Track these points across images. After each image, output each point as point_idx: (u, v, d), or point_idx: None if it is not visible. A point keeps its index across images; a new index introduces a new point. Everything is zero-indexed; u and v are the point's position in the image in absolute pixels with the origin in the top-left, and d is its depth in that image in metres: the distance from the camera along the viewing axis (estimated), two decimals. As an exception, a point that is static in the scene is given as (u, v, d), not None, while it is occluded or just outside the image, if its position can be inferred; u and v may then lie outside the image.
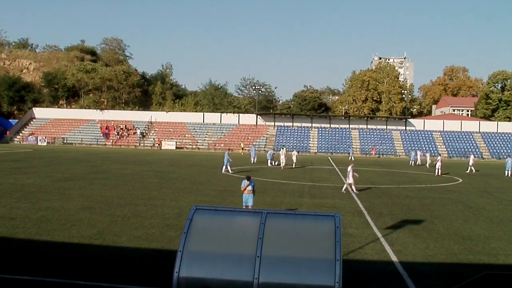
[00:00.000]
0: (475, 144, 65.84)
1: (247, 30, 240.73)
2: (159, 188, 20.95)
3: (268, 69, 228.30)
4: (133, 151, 58.25)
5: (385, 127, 70.71)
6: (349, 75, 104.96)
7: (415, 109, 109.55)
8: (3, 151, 47.00)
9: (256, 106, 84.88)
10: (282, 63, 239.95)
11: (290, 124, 71.79)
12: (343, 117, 76.99)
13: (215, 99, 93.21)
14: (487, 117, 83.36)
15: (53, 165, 31.80)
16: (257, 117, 72.34)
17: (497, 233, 13.28)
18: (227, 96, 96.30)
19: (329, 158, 55.90)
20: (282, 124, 71.71)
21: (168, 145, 65.19)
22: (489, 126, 70.37)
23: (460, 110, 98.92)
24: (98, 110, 75.57)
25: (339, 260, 5.23)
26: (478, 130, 68.88)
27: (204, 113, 75.88)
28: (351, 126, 70.75)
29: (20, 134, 69.86)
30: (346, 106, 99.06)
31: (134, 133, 69.60)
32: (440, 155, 38.37)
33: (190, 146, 66.15)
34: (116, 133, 69.05)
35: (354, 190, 21.43)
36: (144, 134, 69.38)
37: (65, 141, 67.13)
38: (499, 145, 65.58)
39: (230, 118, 72.23)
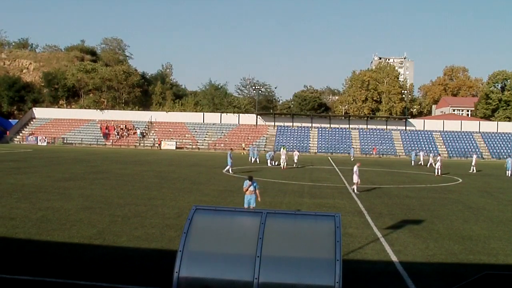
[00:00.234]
0: (475, 144, 65.84)
1: (247, 30, 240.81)
2: (159, 188, 20.94)
3: (268, 69, 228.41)
4: (133, 151, 58.26)
5: (385, 127, 70.72)
6: (349, 75, 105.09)
7: (415, 109, 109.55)
8: (3, 151, 47.01)
9: (256, 106, 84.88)
10: (282, 63, 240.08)
11: (290, 124, 71.80)
12: (343, 117, 77.01)
13: (215, 99, 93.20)
14: (487, 117, 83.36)
15: (53, 165, 31.80)
16: (257, 117, 72.35)
17: (497, 233, 13.28)
18: (227, 96, 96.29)
19: (329, 158, 55.91)
20: (282, 124, 71.73)
21: (168, 145, 65.20)
22: (489, 126, 70.39)
23: (460, 110, 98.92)
24: (98, 110, 75.59)
25: (339, 260, 5.23)
26: (478, 130, 68.89)
27: (204, 113, 75.90)
28: (351, 126, 70.76)
29: (20, 134, 69.88)
30: (346, 106, 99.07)
31: (134, 133, 69.60)
32: (440, 155, 38.37)
33: (190, 146, 66.15)
34: (116, 133, 69.05)
35: (355, 190, 21.40)
36: (144, 134, 69.39)
37: (65, 141, 67.14)
38: (499, 145, 65.60)
39: (230, 118, 72.25)
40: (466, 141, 66.70)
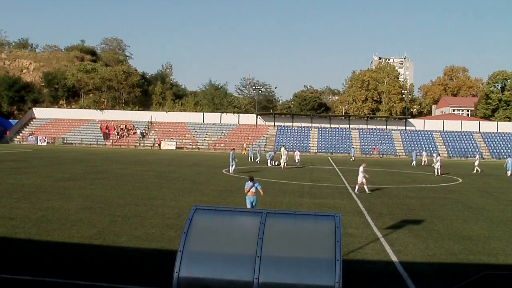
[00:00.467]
0: (475, 144, 65.84)
1: (247, 30, 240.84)
2: (159, 188, 20.94)
3: (268, 69, 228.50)
4: (133, 151, 58.26)
5: (385, 127, 70.72)
6: (349, 75, 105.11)
7: (415, 109, 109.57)
8: (3, 151, 47.01)
9: (256, 106, 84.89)
10: (282, 63, 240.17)
11: (290, 124, 71.80)
12: (343, 117, 77.01)
13: (215, 99, 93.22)
14: (487, 117, 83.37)
15: (53, 165, 31.80)
16: (257, 117, 72.36)
17: (497, 233, 13.28)
18: (227, 96, 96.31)
19: (329, 158, 55.91)
20: (282, 124, 71.73)
21: (168, 145, 65.20)
22: (489, 126, 70.39)
23: (460, 110, 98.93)
24: (98, 110, 75.59)
25: (339, 260, 5.23)
26: (478, 130, 68.89)
27: (204, 113, 75.91)
28: (351, 126, 70.76)
29: (20, 134, 69.88)
30: (346, 106, 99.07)
31: (134, 133, 69.61)
32: (439, 155, 38.37)
33: (190, 146, 66.15)
34: (116, 133, 69.06)
35: (355, 191, 21.37)
36: (144, 134, 69.40)
37: (65, 141, 67.14)
38: (499, 145, 65.60)
39: (230, 118, 72.25)
40: (466, 141, 66.70)
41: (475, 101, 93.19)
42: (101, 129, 69.90)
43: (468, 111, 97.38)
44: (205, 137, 68.63)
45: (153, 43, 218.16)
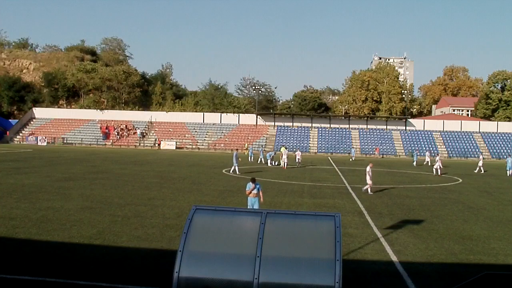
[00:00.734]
0: (475, 144, 65.85)
1: (247, 30, 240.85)
2: (159, 188, 20.94)
3: (268, 69, 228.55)
4: (133, 151, 58.26)
5: (385, 127, 70.73)
6: (349, 75, 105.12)
7: (415, 109, 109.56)
8: (3, 151, 47.01)
9: (256, 106, 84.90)
10: (282, 63, 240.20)
11: (290, 124, 71.81)
12: (343, 117, 77.01)
13: (215, 99, 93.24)
14: (487, 117, 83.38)
15: (53, 165, 31.80)
16: (257, 117, 72.36)
17: (497, 233, 13.28)
18: (227, 96, 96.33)
19: (329, 158, 55.92)
20: (282, 124, 71.73)
21: (168, 145, 65.20)
22: (489, 126, 70.39)
23: (460, 110, 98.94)
24: (98, 110, 75.58)
25: (339, 260, 5.23)
26: (478, 130, 68.90)
27: (204, 113, 75.89)
28: (351, 126, 70.76)
29: (20, 134, 69.87)
30: (346, 106, 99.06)
31: (134, 133, 69.61)
32: (438, 155, 38.34)
33: (190, 146, 66.15)
34: (116, 133, 69.07)
35: (369, 191, 21.25)
36: (144, 134, 69.40)
37: (65, 141, 67.14)
38: (499, 145, 65.60)
39: (230, 118, 72.24)
40: (466, 141, 66.70)
41: (475, 101, 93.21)
42: (101, 129, 69.90)
43: (468, 111, 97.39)
44: (205, 137, 68.62)
45: (153, 43, 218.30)
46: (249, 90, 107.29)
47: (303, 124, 71.26)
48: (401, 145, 66.15)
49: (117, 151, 56.50)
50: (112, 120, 71.82)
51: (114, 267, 9.08)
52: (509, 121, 76.92)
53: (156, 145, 66.02)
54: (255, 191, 13.36)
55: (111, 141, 67.64)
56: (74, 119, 73.08)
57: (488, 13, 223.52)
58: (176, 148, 64.68)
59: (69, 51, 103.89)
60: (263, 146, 62.97)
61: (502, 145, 65.32)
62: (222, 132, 69.46)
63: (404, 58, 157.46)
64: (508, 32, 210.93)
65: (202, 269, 5.40)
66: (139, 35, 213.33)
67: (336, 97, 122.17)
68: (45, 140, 65.89)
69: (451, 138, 67.39)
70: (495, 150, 64.22)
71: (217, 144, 66.29)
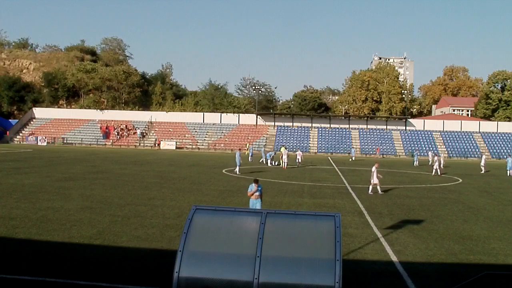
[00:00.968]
0: (475, 144, 65.85)
1: (247, 30, 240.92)
2: (159, 188, 20.94)
3: (268, 69, 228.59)
4: (133, 151, 58.27)
5: (385, 127, 70.73)
6: (349, 75, 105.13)
7: (415, 109, 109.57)
8: (3, 151, 47.01)
9: (256, 106, 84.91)
10: (282, 63, 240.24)
11: (290, 124, 71.81)
12: (343, 117, 77.02)
13: (215, 99, 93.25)
14: (487, 117, 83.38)
15: (53, 165, 31.80)
16: (257, 117, 72.36)
17: (497, 233, 13.28)
18: (227, 96, 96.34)
19: (329, 158, 55.92)
20: (282, 124, 71.73)
21: (168, 145, 65.21)
22: (489, 126, 70.40)
23: (460, 110, 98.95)
24: (98, 110, 75.58)
25: (339, 260, 5.23)
26: (478, 130, 68.90)
27: (204, 113, 75.90)
28: (351, 126, 70.76)
29: (20, 134, 69.88)
30: (346, 106, 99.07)
31: (134, 133, 69.62)
32: (436, 155, 38.32)
33: (190, 146, 66.15)
34: (116, 133, 69.07)
35: (377, 190, 21.23)
36: (144, 134, 69.40)
37: (65, 141, 67.14)
38: (499, 145, 65.61)
39: (230, 118, 72.25)
40: (466, 141, 66.70)
41: (475, 101, 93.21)
42: (101, 128, 69.91)
43: (468, 111, 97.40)
44: (205, 137, 68.63)
45: (153, 43, 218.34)
46: (249, 90, 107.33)
47: (303, 124, 71.25)
48: (401, 145, 66.16)
49: (117, 151, 56.50)
50: (112, 120, 71.82)
51: (114, 267, 9.08)
52: (509, 121, 76.92)
53: (156, 145, 66.02)
54: (257, 193, 12.99)
55: (111, 141, 67.65)
56: (74, 119, 73.08)
57: (488, 13, 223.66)
58: (176, 148, 64.68)
59: (69, 51, 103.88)
60: (264, 146, 62.99)
61: (502, 145, 65.33)
62: (222, 132, 69.46)
63: (404, 58, 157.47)
64: (508, 32, 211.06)
65: (202, 269, 5.40)
66: (139, 35, 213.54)
67: (336, 97, 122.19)
68: (45, 140, 65.89)
69: (451, 138, 67.39)
70: (495, 150, 64.22)
71: (217, 144, 66.29)
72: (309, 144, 66.48)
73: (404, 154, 63.53)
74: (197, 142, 67.49)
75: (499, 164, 47.97)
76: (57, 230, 11.89)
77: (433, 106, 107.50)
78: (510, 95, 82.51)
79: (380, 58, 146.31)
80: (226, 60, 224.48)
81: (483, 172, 37.03)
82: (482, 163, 38.31)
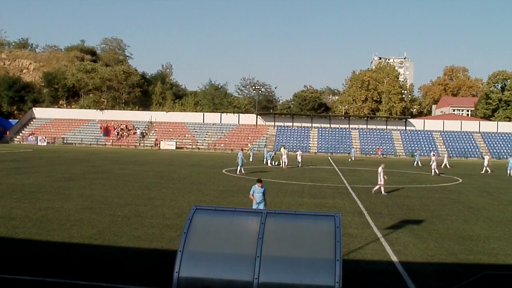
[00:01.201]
0: (475, 144, 65.84)
1: (247, 30, 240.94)
2: (159, 188, 20.94)
3: (268, 69, 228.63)
4: (133, 151, 58.26)
5: (385, 127, 70.72)
6: (349, 75, 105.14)
7: (415, 109, 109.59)
8: (3, 151, 47.00)
9: (256, 106, 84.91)
10: (282, 63, 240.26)
11: (290, 124, 71.80)
12: (343, 117, 77.01)
13: (215, 99, 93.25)
14: (487, 117, 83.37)
15: (53, 165, 31.79)
16: (257, 117, 72.35)
17: (497, 233, 13.28)
18: (227, 96, 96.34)
19: (329, 158, 55.92)
20: (282, 124, 71.72)
21: (168, 145, 65.21)
22: (489, 126, 70.39)
23: (460, 110, 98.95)
24: (98, 110, 75.57)
25: (339, 260, 5.23)
26: (478, 130, 68.89)
27: (204, 113, 75.89)
28: (351, 126, 70.76)
29: (20, 134, 69.87)
30: (346, 106, 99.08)
31: (134, 133, 69.61)
32: (434, 155, 38.31)
33: (190, 146, 66.15)
34: (116, 133, 69.07)
35: (383, 192, 21.13)
36: (144, 134, 69.40)
37: (65, 141, 67.14)
38: (499, 145, 65.60)
39: (230, 118, 72.24)
40: (466, 141, 66.69)
41: (475, 101, 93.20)
42: (101, 128, 69.91)
43: (468, 111, 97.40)
44: (205, 137, 68.62)
45: (153, 43, 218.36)
46: (249, 90, 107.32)
47: (303, 124, 71.25)
48: (401, 145, 66.15)
49: (117, 151, 56.49)
50: (112, 120, 71.82)
51: (114, 267, 9.08)
52: (509, 121, 76.91)
53: (155, 145, 66.02)
54: (259, 194, 12.63)
55: (111, 141, 67.65)
56: (74, 119, 73.08)
57: (488, 13, 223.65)
58: (176, 148, 64.68)
59: (69, 51, 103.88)
60: (264, 146, 62.99)
61: (502, 145, 65.32)
62: (222, 132, 69.46)
63: (404, 58, 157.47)
64: (508, 32, 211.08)
65: (202, 269, 5.40)
66: (139, 35, 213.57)
67: (336, 97, 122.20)
68: (45, 140, 65.89)
69: (451, 138, 67.39)
70: (495, 150, 64.21)
71: (217, 144, 66.29)
72: (309, 144, 66.48)
73: (404, 154, 63.52)
74: (197, 142, 67.48)
75: (499, 164, 47.96)
76: (57, 230, 11.89)
77: (433, 106, 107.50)
78: (510, 95, 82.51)
79: (380, 58, 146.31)
80: (226, 60, 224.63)
81: (489, 172, 36.96)
82: (486, 163, 38.23)
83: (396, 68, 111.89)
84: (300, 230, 5.74)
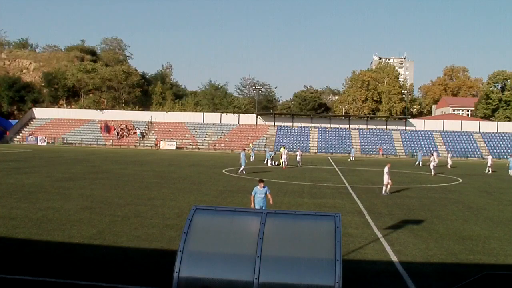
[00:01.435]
0: (475, 144, 65.82)
1: (247, 30, 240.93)
2: (159, 188, 20.94)
3: (268, 69, 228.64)
4: (133, 151, 58.26)
5: (385, 127, 70.71)
6: (349, 75, 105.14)
7: (415, 109, 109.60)
8: (3, 151, 47.00)
9: (256, 106, 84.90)
10: (282, 63, 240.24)
11: (290, 124, 71.79)
12: (343, 117, 77.01)
13: (215, 99, 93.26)
14: (487, 117, 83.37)
15: (53, 165, 31.79)
16: (257, 117, 72.34)
17: (497, 233, 13.28)
18: (227, 96, 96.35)
19: (329, 158, 55.91)
20: (282, 124, 71.71)
21: (168, 145, 65.21)
22: (489, 126, 70.37)
23: (460, 110, 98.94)
24: (98, 110, 75.57)
25: (339, 260, 5.22)
26: (478, 130, 68.88)
27: (204, 113, 75.88)
28: (351, 126, 70.75)
29: (20, 134, 69.87)
30: (346, 106, 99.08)
31: (134, 133, 69.60)
32: (432, 155, 38.32)
33: (190, 146, 66.15)
34: (116, 133, 69.06)
35: (386, 191, 21.06)
36: (144, 134, 69.40)
37: (65, 141, 67.14)
38: (499, 145, 65.59)
39: (230, 118, 72.23)
40: (466, 141, 66.68)
41: (475, 101, 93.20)
42: (101, 128, 69.90)
43: (468, 111, 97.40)
44: (205, 137, 68.62)
45: (153, 43, 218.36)
46: (249, 90, 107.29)
47: (303, 124, 71.24)
48: (401, 145, 66.14)
49: (117, 151, 56.49)
50: (112, 120, 71.80)
51: (114, 267, 9.08)
52: (509, 121, 76.90)
53: (155, 145, 66.01)
54: (262, 195, 12.35)
55: (111, 141, 67.65)
56: (74, 119, 73.07)
57: (488, 13, 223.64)
58: (176, 148, 64.68)
59: (69, 51, 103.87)
60: (264, 146, 63.01)
61: (502, 145, 65.31)
62: (222, 132, 69.45)
63: (404, 58, 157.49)
64: (508, 32, 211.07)
65: (202, 269, 5.39)
66: (139, 35, 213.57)
67: (336, 97, 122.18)
68: (45, 140, 65.89)
69: (451, 138, 67.37)
70: (495, 150, 64.17)
71: (217, 144, 66.29)
72: (309, 144, 66.47)
73: (404, 154, 63.51)
74: (197, 142, 67.48)
75: (499, 164, 47.95)
76: (57, 230, 11.89)
77: (433, 106, 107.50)
78: (510, 95, 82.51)
79: (380, 58, 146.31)
80: (226, 60, 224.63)
81: (490, 172, 36.94)
82: (489, 163, 38.20)
83: (396, 68, 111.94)
84: (300, 230, 5.74)
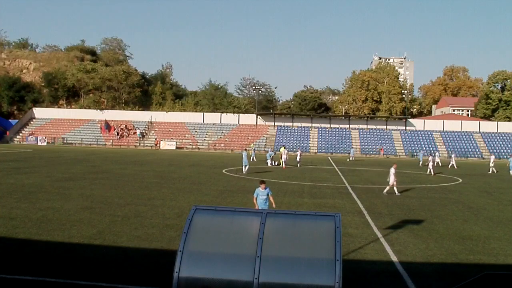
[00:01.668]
0: (475, 144, 65.83)
1: (247, 30, 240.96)
2: (159, 188, 20.94)
3: (268, 69, 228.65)
4: (133, 151, 58.26)
5: (385, 127, 70.73)
6: (349, 75, 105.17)
7: (415, 109, 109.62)
8: (3, 151, 47.00)
9: (256, 106, 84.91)
10: (282, 63, 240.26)
11: (290, 124, 71.81)
12: (343, 117, 77.03)
13: (215, 99, 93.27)
14: (487, 117, 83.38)
15: (53, 165, 31.79)
16: (257, 117, 72.36)
17: (497, 233, 13.27)
18: (227, 96, 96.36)
19: (329, 158, 55.91)
20: (282, 124, 71.72)
21: (168, 145, 65.21)
22: (489, 126, 70.39)
23: (460, 110, 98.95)
24: (98, 110, 75.57)
25: (339, 260, 5.22)
26: (478, 130, 68.90)
27: (204, 113, 75.90)
28: (351, 126, 70.77)
29: (20, 134, 69.88)
30: (346, 106, 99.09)
31: (134, 133, 69.61)
32: (431, 155, 38.32)
33: (190, 146, 66.15)
34: (116, 133, 69.07)
35: (384, 191, 21.20)
36: (144, 134, 69.40)
37: (65, 141, 67.15)
38: (499, 145, 65.60)
39: (230, 118, 72.24)
40: (466, 141, 66.69)
41: (475, 101, 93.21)
42: (101, 128, 69.90)
43: (468, 111, 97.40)
44: (205, 137, 68.63)
45: (153, 43, 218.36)
46: (249, 90, 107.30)
47: (303, 124, 71.25)
48: (401, 145, 66.15)
49: (117, 151, 56.49)
50: (112, 120, 71.82)
51: (114, 267, 9.08)
52: (509, 121, 76.92)
53: (155, 145, 66.01)
54: (264, 197, 12.24)
55: (111, 141, 67.67)
56: (74, 119, 73.10)
57: (488, 13, 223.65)
58: (176, 148, 64.69)
59: (69, 51, 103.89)
60: (264, 146, 63.02)
61: (502, 145, 65.32)
62: (222, 132, 69.46)
63: (404, 58, 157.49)
64: (508, 32, 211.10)
65: (202, 269, 5.39)
66: (139, 35, 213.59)
67: (336, 97, 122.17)
68: (45, 140, 65.90)
69: (451, 138, 67.38)
70: (495, 150, 64.14)
71: (217, 144, 66.29)
72: (309, 144, 66.48)
73: (404, 154, 63.50)
74: (197, 142, 67.49)
75: (499, 164, 47.91)
76: (57, 230, 11.89)
77: (433, 106, 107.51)
78: (510, 95, 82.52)
79: (380, 58, 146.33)
80: (226, 60, 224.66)
81: (495, 172, 36.92)
82: (491, 163, 38.17)
83: (396, 68, 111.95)
84: (300, 230, 5.74)
